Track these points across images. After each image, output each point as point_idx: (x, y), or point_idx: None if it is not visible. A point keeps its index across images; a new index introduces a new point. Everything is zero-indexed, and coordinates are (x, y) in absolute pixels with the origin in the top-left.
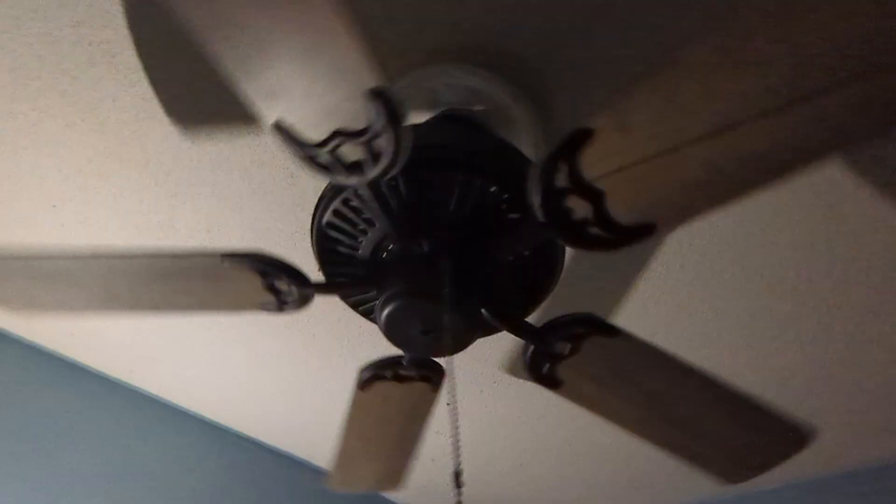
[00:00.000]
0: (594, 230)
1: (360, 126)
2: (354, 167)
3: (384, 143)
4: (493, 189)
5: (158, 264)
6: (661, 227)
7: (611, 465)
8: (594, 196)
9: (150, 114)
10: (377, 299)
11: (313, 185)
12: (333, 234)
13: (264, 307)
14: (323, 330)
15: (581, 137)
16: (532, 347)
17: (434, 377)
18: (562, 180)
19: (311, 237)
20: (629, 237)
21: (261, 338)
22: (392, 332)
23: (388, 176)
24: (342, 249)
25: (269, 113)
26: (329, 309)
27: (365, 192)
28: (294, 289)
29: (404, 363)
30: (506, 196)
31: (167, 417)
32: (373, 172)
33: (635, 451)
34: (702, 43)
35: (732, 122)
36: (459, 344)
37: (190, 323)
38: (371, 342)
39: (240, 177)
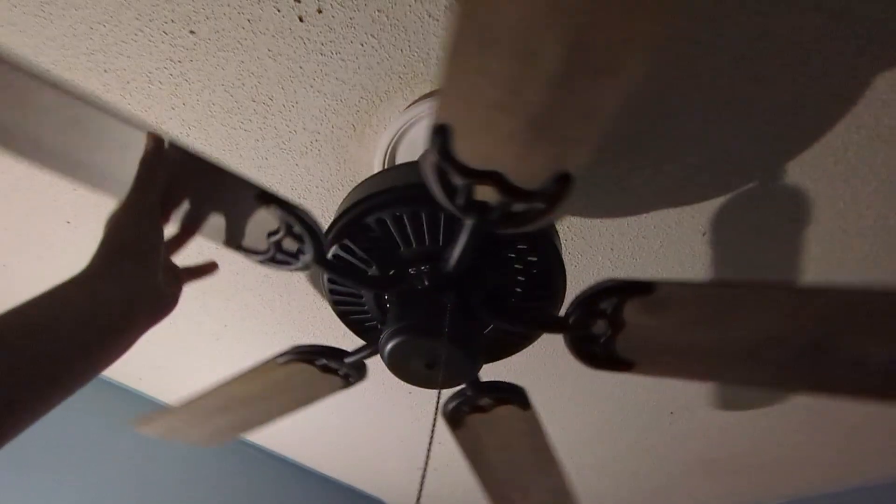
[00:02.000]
0: (595, 348)
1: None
2: (477, 208)
3: (530, 214)
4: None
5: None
6: (636, 370)
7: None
8: (616, 327)
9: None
10: (381, 308)
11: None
12: (374, 226)
13: (248, 251)
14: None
15: (645, 289)
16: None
17: (355, 378)
18: (606, 305)
19: (347, 214)
20: (611, 365)
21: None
22: (395, 361)
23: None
24: (369, 243)
25: (445, 115)
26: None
27: (465, 228)
28: (304, 257)
29: (342, 360)
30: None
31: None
32: (491, 223)
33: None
34: (765, 286)
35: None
36: (459, 379)
37: (200, 332)
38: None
39: None
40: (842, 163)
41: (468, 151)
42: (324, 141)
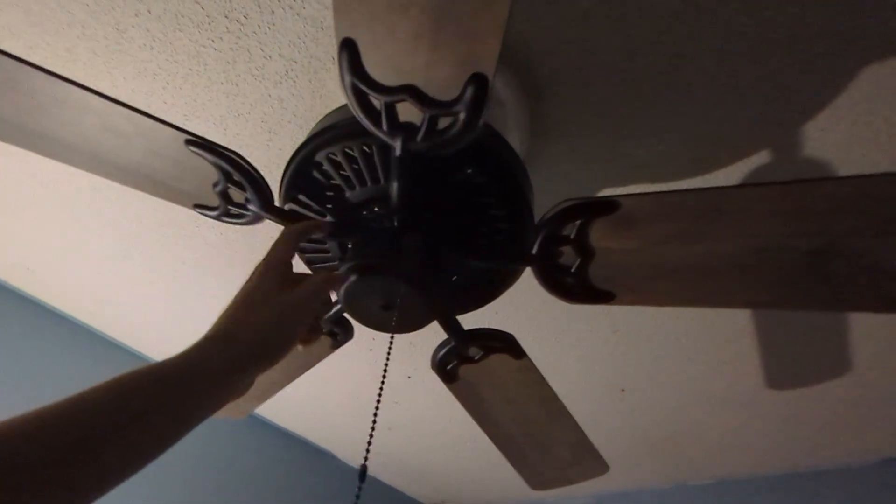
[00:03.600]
0: (567, 279)
1: (433, 95)
2: (402, 128)
3: (455, 126)
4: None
5: (133, 119)
6: (617, 300)
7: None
8: (586, 255)
9: None
10: (334, 259)
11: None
12: (320, 171)
13: (201, 208)
14: None
15: (608, 207)
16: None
17: (343, 336)
18: (569, 230)
19: (293, 162)
20: (590, 297)
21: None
22: (351, 301)
23: (430, 154)
24: (320, 191)
25: (346, 27)
26: None
27: (392, 154)
28: (252, 207)
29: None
30: (500, 209)
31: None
32: (420, 143)
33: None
34: (751, 186)
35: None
36: (417, 323)
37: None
38: None
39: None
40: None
41: (379, 66)
42: (300, 71)
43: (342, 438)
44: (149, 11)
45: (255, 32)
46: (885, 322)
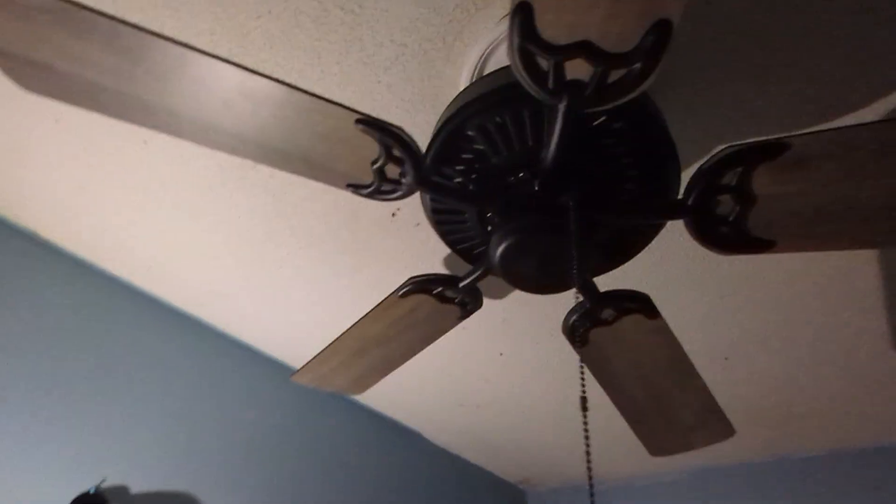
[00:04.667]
0: (723, 229)
1: (608, 48)
2: (568, 86)
3: (628, 78)
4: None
5: (294, 97)
6: (778, 247)
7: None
8: (746, 203)
9: None
10: (482, 224)
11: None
12: (467, 142)
13: (354, 187)
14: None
15: (775, 150)
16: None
17: (472, 305)
18: (729, 178)
19: (440, 134)
20: (747, 247)
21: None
22: (507, 264)
23: (602, 110)
24: (465, 162)
25: None
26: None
27: (549, 116)
28: (406, 180)
29: (458, 286)
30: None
31: (234, 353)
32: (587, 99)
33: None
34: None
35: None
36: (569, 283)
37: (262, 264)
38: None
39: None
40: None
41: (552, 26)
42: (410, 55)
43: (430, 419)
44: (269, 12)
45: (367, 21)
46: None
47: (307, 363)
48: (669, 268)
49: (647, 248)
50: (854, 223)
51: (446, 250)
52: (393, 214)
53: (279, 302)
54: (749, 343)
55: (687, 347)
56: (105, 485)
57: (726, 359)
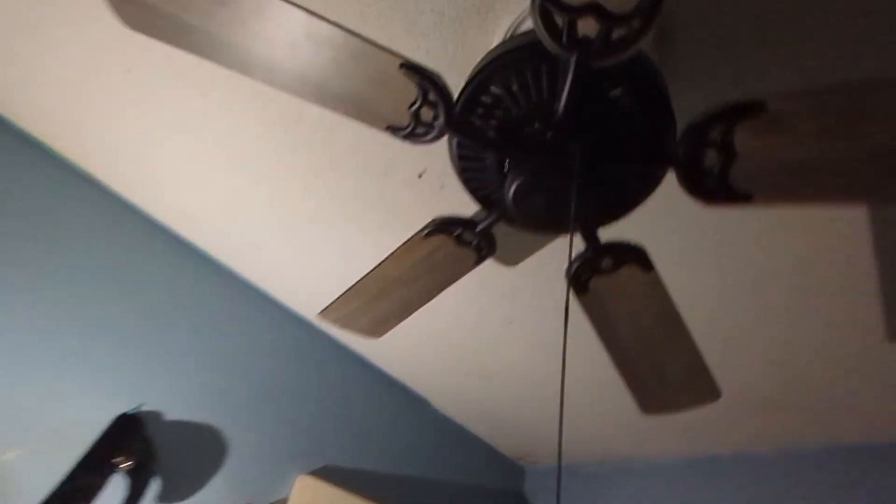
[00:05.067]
0: (708, 181)
1: (611, 9)
2: (579, 42)
3: (628, 35)
4: (637, 105)
5: (350, 41)
6: (756, 200)
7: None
8: (728, 156)
9: None
10: (501, 170)
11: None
12: (491, 93)
13: (394, 128)
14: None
15: (754, 109)
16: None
17: (486, 251)
18: (714, 134)
19: (470, 84)
20: (728, 198)
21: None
22: (519, 200)
23: (603, 65)
24: (489, 110)
25: None
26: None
27: (563, 70)
28: (438, 123)
29: (475, 230)
30: (647, 118)
31: (261, 304)
32: (594, 53)
33: None
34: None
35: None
36: (582, 214)
37: (296, 218)
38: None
39: None
40: None
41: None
42: (447, 24)
43: (436, 387)
44: None
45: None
46: None
47: (332, 302)
48: (671, 248)
49: (650, 225)
50: (828, 180)
51: (466, 212)
52: (420, 175)
53: (307, 256)
54: (747, 327)
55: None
56: (143, 409)
57: (724, 343)
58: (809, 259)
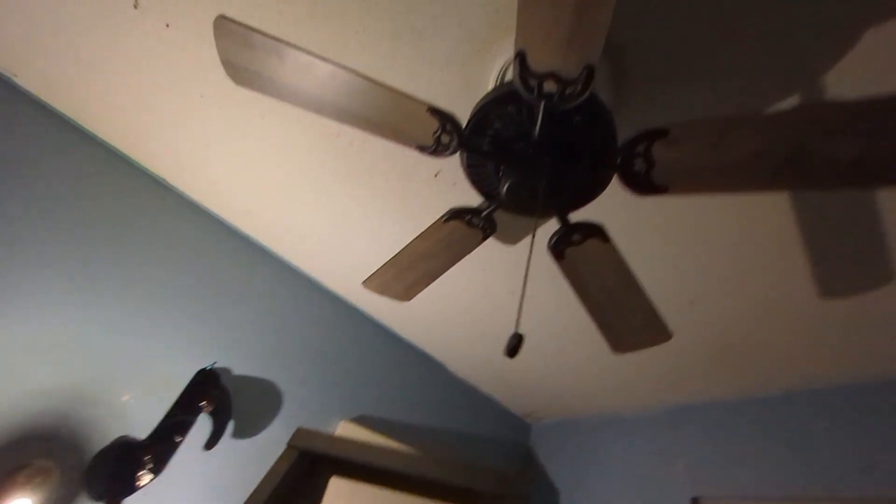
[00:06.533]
0: (637, 180)
1: (564, 77)
2: (545, 95)
3: (575, 92)
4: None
5: (377, 91)
6: (670, 191)
7: None
8: (650, 163)
9: None
10: (497, 173)
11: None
12: (489, 121)
13: (422, 147)
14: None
15: (663, 133)
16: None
17: (489, 231)
18: (639, 148)
19: (474, 117)
20: (652, 191)
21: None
22: (510, 193)
23: (565, 109)
24: (488, 133)
25: (520, 43)
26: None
27: (536, 110)
28: (454, 144)
29: (480, 215)
30: (596, 140)
31: (304, 284)
32: (555, 103)
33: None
34: (750, 115)
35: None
36: (553, 203)
37: (335, 211)
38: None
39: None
40: None
41: (535, 64)
42: (458, 62)
43: (453, 353)
44: (364, 30)
45: (430, 38)
46: None
47: (372, 273)
48: (638, 227)
49: (606, 209)
50: (714, 178)
51: (473, 203)
52: (435, 175)
53: (344, 243)
54: (708, 289)
55: (657, 292)
56: (217, 366)
57: (691, 302)
58: (748, 229)
